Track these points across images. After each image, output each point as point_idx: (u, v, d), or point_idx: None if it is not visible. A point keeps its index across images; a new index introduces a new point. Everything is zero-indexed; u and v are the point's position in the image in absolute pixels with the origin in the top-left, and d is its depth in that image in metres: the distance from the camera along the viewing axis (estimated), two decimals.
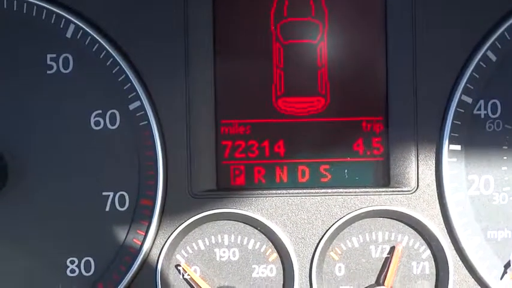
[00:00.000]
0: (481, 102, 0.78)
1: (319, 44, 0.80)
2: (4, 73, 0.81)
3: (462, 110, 0.78)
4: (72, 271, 0.79)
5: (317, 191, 0.80)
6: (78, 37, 0.78)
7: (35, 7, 0.79)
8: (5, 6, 0.80)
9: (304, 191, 0.80)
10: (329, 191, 0.80)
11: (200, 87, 0.81)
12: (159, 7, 0.81)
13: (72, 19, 0.78)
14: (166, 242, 0.79)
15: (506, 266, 0.79)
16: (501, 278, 0.79)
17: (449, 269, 0.78)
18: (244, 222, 0.80)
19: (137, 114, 0.78)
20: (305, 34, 0.81)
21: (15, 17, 0.81)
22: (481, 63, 0.78)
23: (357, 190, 0.80)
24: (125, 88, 0.79)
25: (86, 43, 0.78)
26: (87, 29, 0.78)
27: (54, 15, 0.78)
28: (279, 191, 0.80)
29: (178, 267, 0.80)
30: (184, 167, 0.80)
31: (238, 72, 0.83)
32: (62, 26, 0.78)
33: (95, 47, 0.78)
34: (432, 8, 0.81)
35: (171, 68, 0.81)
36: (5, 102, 0.81)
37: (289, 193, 0.80)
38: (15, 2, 0.80)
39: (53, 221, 0.80)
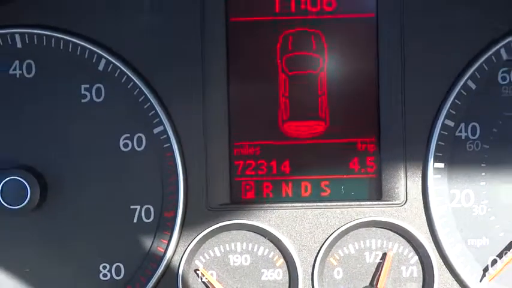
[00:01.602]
0: (462, 125, 0.81)
1: (319, 75, 0.82)
2: (45, 102, 0.83)
3: (445, 133, 0.80)
4: (105, 275, 0.82)
5: (318, 204, 0.82)
6: (108, 70, 0.81)
7: (71, 44, 0.82)
8: (44, 44, 0.82)
9: (307, 204, 0.83)
10: (328, 204, 0.82)
11: (215, 113, 0.83)
12: (178, 42, 0.83)
13: (103, 54, 0.81)
14: (186, 249, 0.82)
15: (485, 269, 0.81)
16: (480, 281, 0.81)
17: (435, 273, 0.80)
18: (254, 232, 0.82)
19: (161, 138, 0.81)
20: (307, 66, 0.83)
21: (54, 53, 0.83)
22: (462, 91, 0.80)
23: (353, 203, 0.82)
24: (149, 114, 0.81)
25: (116, 75, 0.80)
26: (116, 63, 0.81)
27: (87, 50, 0.81)
28: (284, 204, 0.82)
29: (197, 272, 0.82)
30: (201, 184, 0.82)
31: (249, 99, 0.85)
32: (94, 61, 0.81)
33: (123, 78, 0.81)
34: (418, 42, 0.83)
35: (190, 97, 0.83)
36: (45, 128, 0.83)
37: (293, 206, 0.82)
38: (52, 39, 0.82)
39: (87, 231, 0.83)
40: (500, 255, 0.80)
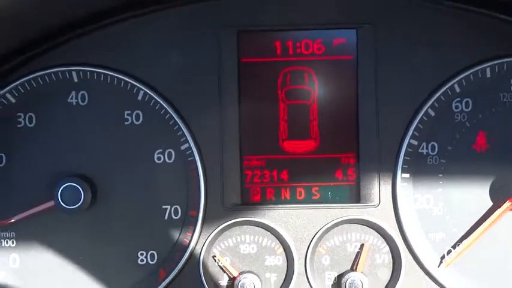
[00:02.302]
0: (424, 144, 0.87)
1: (311, 104, 0.89)
2: (95, 125, 0.89)
3: (411, 150, 0.87)
4: (142, 260, 0.88)
5: (310, 205, 0.89)
6: (145, 99, 0.87)
7: (116, 79, 0.88)
8: (95, 78, 0.88)
9: (301, 205, 0.89)
10: (318, 205, 0.89)
11: (229, 134, 0.90)
12: (200, 78, 0.89)
13: (141, 87, 0.87)
14: (206, 240, 0.88)
15: (442, 258, 0.87)
16: (438, 266, 0.87)
17: (402, 260, 0.87)
18: (260, 227, 0.89)
19: (186, 153, 0.88)
20: (301, 97, 0.90)
21: (103, 85, 0.89)
22: (424, 117, 0.87)
23: (337, 205, 0.89)
24: (178, 134, 0.88)
25: (151, 103, 0.87)
26: (151, 94, 0.88)
27: (129, 84, 0.87)
28: (283, 205, 0.89)
29: (214, 258, 0.89)
30: (218, 189, 0.89)
31: (256, 122, 0.91)
32: (134, 92, 0.87)
33: (157, 106, 0.87)
34: (389, 79, 0.88)
35: (209, 121, 0.89)
36: (95, 144, 0.89)
37: (290, 207, 0.89)
38: (102, 75, 0.88)
39: (128, 226, 0.89)
40: (454, 247, 0.86)
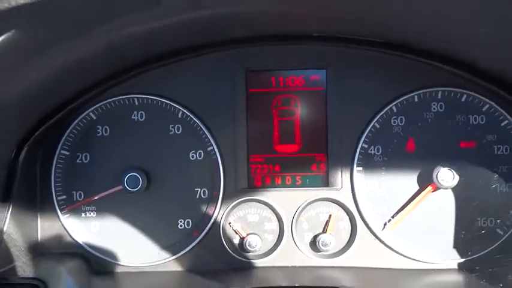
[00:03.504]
0: (372, 146, 0.95)
1: (295, 119, 0.98)
2: (150, 134, 0.96)
3: (363, 151, 0.96)
4: (181, 226, 0.97)
5: (294, 188, 0.97)
6: (184, 117, 0.96)
7: (164, 103, 0.96)
8: (150, 102, 0.96)
9: (289, 188, 0.97)
10: (300, 188, 0.97)
11: (241, 140, 0.97)
12: (221, 102, 0.96)
13: (180, 108, 0.96)
14: (224, 212, 0.96)
15: (384, 224, 0.96)
16: (382, 230, 0.96)
17: (357, 226, 0.96)
18: (261, 203, 0.97)
19: (211, 153, 0.96)
20: (289, 115, 0.98)
21: (155, 107, 0.96)
22: (372, 129, 0.95)
23: (313, 188, 0.97)
24: (205, 140, 0.96)
25: (187, 120, 0.96)
26: (188, 113, 0.96)
27: (172, 107, 0.96)
28: (276, 188, 0.97)
29: (230, 224, 0.97)
30: (233, 177, 0.96)
31: (258, 132, 0.98)
32: (176, 112, 0.96)
33: (191, 121, 0.96)
34: (348, 102, 0.95)
35: (227, 131, 0.97)
36: (149, 147, 0.96)
37: (282, 189, 0.97)
38: (154, 100, 0.96)
39: (172, 202, 0.96)
40: (393, 217, 0.95)
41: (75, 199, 0.97)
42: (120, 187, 0.93)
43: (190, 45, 0.93)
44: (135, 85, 0.96)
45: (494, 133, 0.95)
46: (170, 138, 0.97)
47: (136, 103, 0.97)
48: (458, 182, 0.92)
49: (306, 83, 0.98)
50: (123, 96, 0.97)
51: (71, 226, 0.97)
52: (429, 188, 0.93)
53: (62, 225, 0.97)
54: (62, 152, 0.97)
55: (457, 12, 0.71)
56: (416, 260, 0.96)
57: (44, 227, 0.96)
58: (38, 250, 0.93)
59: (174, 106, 0.96)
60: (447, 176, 0.92)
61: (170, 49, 0.93)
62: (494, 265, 0.90)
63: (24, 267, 0.86)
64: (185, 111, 0.96)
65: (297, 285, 0.83)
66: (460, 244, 0.95)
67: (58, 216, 0.96)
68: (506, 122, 0.95)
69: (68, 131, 0.96)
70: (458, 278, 0.92)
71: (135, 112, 0.97)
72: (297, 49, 0.96)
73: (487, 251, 0.95)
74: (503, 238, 0.94)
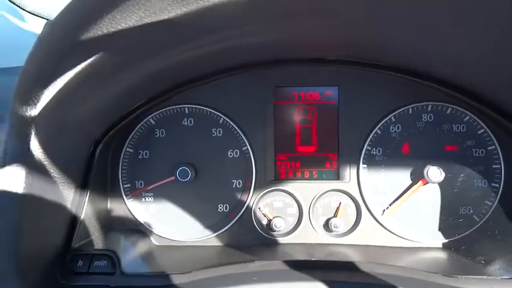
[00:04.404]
0: (374, 149, 1.02)
1: (312, 126, 1.03)
2: (197, 137, 1.00)
3: (367, 152, 1.01)
4: (220, 209, 1.02)
5: (312, 181, 1.02)
6: (224, 122, 1.01)
7: (207, 111, 1.01)
8: (198, 111, 1.01)
9: (307, 181, 1.02)
10: (316, 181, 1.02)
11: (269, 142, 1.02)
12: (253, 110, 1.01)
13: (221, 115, 1.02)
14: (256, 199, 1.02)
15: (383, 210, 1.01)
16: (381, 215, 1.01)
17: (362, 211, 1.01)
18: (284, 192, 1.02)
19: (245, 152, 1.01)
20: (308, 122, 1.03)
21: (206, 114, 1.01)
22: (374, 134, 1.00)
23: (326, 181, 1.02)
24: (241, 142, 1.00)
25: (227, 125, 1.01)
26: (227, 119, 1.01)
27: (215, 114, 1.02)
28: (298, 181, 1.01)
29: (260, 208, 1.02)
30: (263, 171, 1.01)
31: (283, 136, 1.03)
32: (217, 118, 1.02)
33: (230, 126, 1.00)
34: (355, 113, 1.00)
35: (258, 135, 1.02)
36: (197, 146, 1.00)
37: (302, 181, 1.01)
38: (200, 109, 1.01)
39: (214, 190, 1.00)
40: (391, 204, 1.01)
41: (137, 187, 1.03)
42: (173, 178, 0.99)
43: (230, 66, 1.00)
44: (185, 97, 1.02)
45: (473, 139, 1.02)
46: (212, 140, 1.02)
47: (186, 111, 1.03)
48: (444, 178, 0.99)
49: (322, 97, 1.03)
50: (176, 106, 1.03)
51: (134, 208, 1.04)
52: (420, 182, 1.00)
53: (127, 207, 1.03)
54: (128, 149, 1.03)
55: (456, 44, 0.74)
56: (409, 240, 1.02)
57: (113, 209, 1.03)
58: (108, 227, 1.00)
59: (216, 113, 1.02)
60: (435, 173, 0.99)
61: (215, 69, 1.00)
62: (470, 244, 0.98)
63: (98, 241, 0.92)
64: (225, 118, 1.02)
65: (313, 259, 0.89)
66: (445, 227, 1.02)
67: (124, 201, 1.03)
68: (482, 130, 1.02)
69: (133, 133, 1.03)
70: (442, 254, 0.98)
71: (185, 118, 1.03)
72: (315, 70, 1.02)
73: (466, 233, 1.02)
74: (479, 223, 1.02)
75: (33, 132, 0.64)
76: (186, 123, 1.03)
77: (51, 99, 0.61)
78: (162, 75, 0.88)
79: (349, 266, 0.78)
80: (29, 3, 1.02)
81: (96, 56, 0.60)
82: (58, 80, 0.59)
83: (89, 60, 0.60)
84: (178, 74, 0.94)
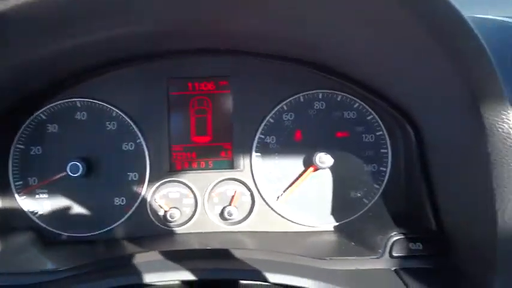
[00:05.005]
0: (268, 137, 1.04)
1: (207, 116, 1.03)
2: (90, 130, 1.00)
3: (260, 140, 1.03)
4: (116, 203, 1.02)
5: (207, 170, 1.03)
6: (117, 115, 1.01)
7: (101, 105, 1.00)
8: (90, 104, 0.99)
9: (203, 171, 1.03)
10: (212, 171, 1.03)
11: (163, 133, 1.02)
12: (147, 104, 1.00)
13: (114, 109, 1.01)
14: (151, 190, 1.02)
15: (278, 197, 1.03)
16: (276, 201, 1.04)
17: (256, 199, 1.03)
18: (180, 182, 1.03)
19: (140, 144, 1.01)
20: (203, 113, 1.03)
21: (95, 107, 1.00)
22: (267, 123, 1.02)
23: (222, 170, 1.03)
24: (135, 135, 1.01)
25: (120, 118, 1.01)
26: (120, 113, 1.01)
27: (108, 107, 1.01)
28: (193, 171, 1.03)
29: (156, 200, 1.03)
30: (158, 163, 1.02)
31: (178, 126, 1.03)
32: (110, 111, 1.01)
33: (124, 119, 1.01)
34: (245, 104, 1.01)
35: (153, 127, 1.02)
36: (90, 140, 1.00)
37: (197, 172, 1.03)
38: (93, 103, 0.99)
39: (109, 184, 1.00)
40: (284, 191, 1.03)
41: (30, 184, 1.02)
42: (65, 173, 0.98)
43: (121, 57, 1.00)
44: (77, 91, 1.02)
45: (363, 125, 1.05)
46: (107, 133, 1.02)
47: (79, 105, 1.02)
48: (333, 164, 1.02)
49: (216, 87, 1.05)
50: (67, 100, 1.02)
51: (27, 206, 1.03)
52: (311, 168, 1.03)
53: (19, 205, 1.02)
54: (18, 146, 1.02)
55: (343, 38, 0.77)
56: (302, 225, 1.05)
57: (4, 207, 1.01)
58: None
59: (108, 107, 1.02)
60: (324, 159, 1.02)
61: (105, 60, 0.99)
62: (359, 227, 1.02)
63: None
64: (118, 111, 1.02)
65: (208, 247, 0.89)
66: (336, 211, 1.06)
67: (15, 198, 1.02)
68: (371, 116, 1.06)
69: (22, 129, 1.01)
70: (333, 237, 1.02)
71: (78, 112, 1.02)
72: (208, 60, 1.04)
73: (356, 216, 1.06)
74: (368, 206, 1.06)
75: None
76: (79, 117, 1.02)
77: None
78: (46, 66, 0.87)
79: (226, 253, 0.80)
80: None
81: None
82: None
83: None
84: (65, 64, 0.93)
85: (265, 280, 0.71)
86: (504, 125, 0.66)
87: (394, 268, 0.82)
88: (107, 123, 1.02)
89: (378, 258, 0.84)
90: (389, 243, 0.84)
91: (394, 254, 0.83)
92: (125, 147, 1.03)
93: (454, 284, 0.72)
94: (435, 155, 0.90)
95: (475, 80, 0.65)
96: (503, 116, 0.66)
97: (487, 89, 0.65)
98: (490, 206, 0.67)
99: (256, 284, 0.72)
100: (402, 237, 0.84)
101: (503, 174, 0.66)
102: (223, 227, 1.04)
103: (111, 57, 0.99)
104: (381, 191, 1.06)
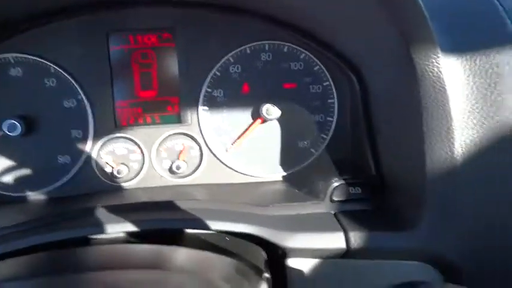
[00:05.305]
0: (215, 90, 1.02)
1: (152, 71, 1.01)
2: (28, 87, 0.97)
3: (207, 94, 1.02)
4: (61, 161, 1.00)
5: (155, 125, 1.01)
6: (56, 72, 0.97)
7: (39, 61, 0.96)
8: (25, 60, 0.96)
9: (150, 126, 1.01)
10: (159, 125, 1.01)
11: (106, 88, 0.99)
12: (86, 59, 0.98)
13: (52, 65, 0.97)
14: (96, 147, 1.01)
15: (226, 150, 1.04)
16: (226, 152, 1.04)
17: (204, 153, 1.03)
18: (127, 139, 1.02)
19: (82, 101, 0.99)
20: (148, 67, 1.01)
21: (33, 63, 0.96)
22: (214, 76, 1.01)
23: (169, 125, 1.01)
24: (75, 90, 0.97)
25: (59, 74, 0.98)
26: (59, 69, 0.98)
27: (46, 64, 0.96)
28: (140, 126, 1.01)
29: (101, 156, 1.02)
30: (102, 119, 1.00)
31: (123, 81, 1.00)
32: (48, 67, 0.97)
33: (63, 75, 0.97)
34: (194, 55, 0.99)
35: (95, 82, 1.00)
36: (28, 97, 0.96)
37: (144, 127, 1.01)
38: (29, 59, 0.96)
39: (52, 143, 0.98)
40: (233, 143, 1.04)
41: None
42: (1, 132, 0.96)
43: (59, 7, 0.95)
44: (10, 45, 0.97)
45: (310, 76, 1.05)
46: (46, 90, 0.99)
47: (12, 61, 0.98)
48: (281, 115, 1.03)
49: (160, 40, 1.02)
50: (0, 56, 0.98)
51: None
52: (259, 120, 1.04)
53: None
54: None
55: None
56: (250, 176, 1.07)
57: None
58: None
59: (46, 63, 0.99)
60: (271, 111, 1.03)
61: (42, 9, 0.93)
62: (306, 175, 1.05)
63: None
64: (56, 67, 0.99)
65: (156, 200, 0.90)
66: (284, 161, 1.07)
67: None
68: (318, 67, 1.06)
69: None
70: (281, 186, 1.04)
71: (12, 69, 0.98)
72: (151, 12, 1.00)
73: (303, 165, 1.08)
74: (315, 155, 1.08)
75: None
76: (13, 73, 0.99)
77: None
78: None
79: (171, 205, 0.81)
80: None
81: None
82: None
83: None
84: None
85: (207, 228, 0.73)
86: (434, 69, 0.69)
87: (334, 212, 0.85)
88: (45, 79, 0.99)
89: (318, 203, 0.87)
90: (331, 189, 0.87)
91: (335, 199, 0.87)
92: (66, 104, 1.01)
93: (387, 223, 0.76)
94: (377, 103, 0.93)
95: (407, 26, 0.68)
96: (433, 60, 0.69)
97: (418, 35, 0.68)
98: (420, 148, 0.71)
99: (199, 233, 0.73)
100: (343, 182, 0.87)
101: (432, 117, 0.70)
102: (171, 180, 1.04)
103: (47, 8, 0.94)
104: (327, 140, 1.07)
